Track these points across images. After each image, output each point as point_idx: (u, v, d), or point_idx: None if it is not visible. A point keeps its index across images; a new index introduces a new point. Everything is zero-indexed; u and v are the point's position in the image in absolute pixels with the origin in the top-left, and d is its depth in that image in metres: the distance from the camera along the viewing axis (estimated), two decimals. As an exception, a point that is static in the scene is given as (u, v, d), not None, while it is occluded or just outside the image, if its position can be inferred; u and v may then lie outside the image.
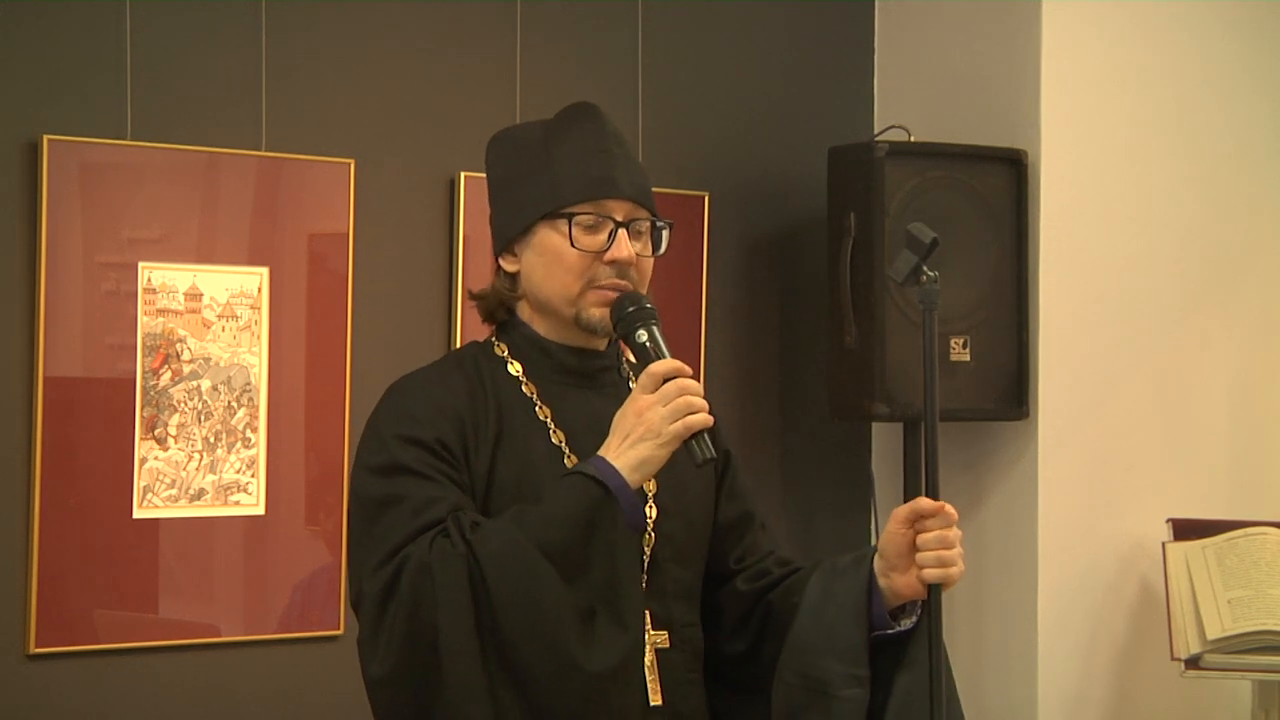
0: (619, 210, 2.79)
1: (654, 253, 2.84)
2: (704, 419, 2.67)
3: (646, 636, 2.76)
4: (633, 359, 2.88)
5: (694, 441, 2.67)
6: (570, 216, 2.77)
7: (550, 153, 2.81)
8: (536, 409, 2.81)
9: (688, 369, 2.71)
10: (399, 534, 2.67)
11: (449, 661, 2.61)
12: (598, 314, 2.79)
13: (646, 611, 2.77)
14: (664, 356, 2.72)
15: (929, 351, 2.70)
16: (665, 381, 2.68)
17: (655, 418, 2.66)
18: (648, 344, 2.74)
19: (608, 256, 2.78)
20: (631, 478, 2.66)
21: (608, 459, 2.67)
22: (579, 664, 2.61)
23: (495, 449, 2.76)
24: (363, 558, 2.71)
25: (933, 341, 2.70)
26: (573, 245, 2.77)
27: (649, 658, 2.78)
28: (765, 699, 2.87)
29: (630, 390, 2.85)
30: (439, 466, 2.71)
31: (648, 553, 2.80)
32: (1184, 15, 4.98)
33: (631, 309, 2.76)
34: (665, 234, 2.85)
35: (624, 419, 2.69)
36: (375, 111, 4.41)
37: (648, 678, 2.77)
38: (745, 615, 2.92)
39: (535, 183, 2.81)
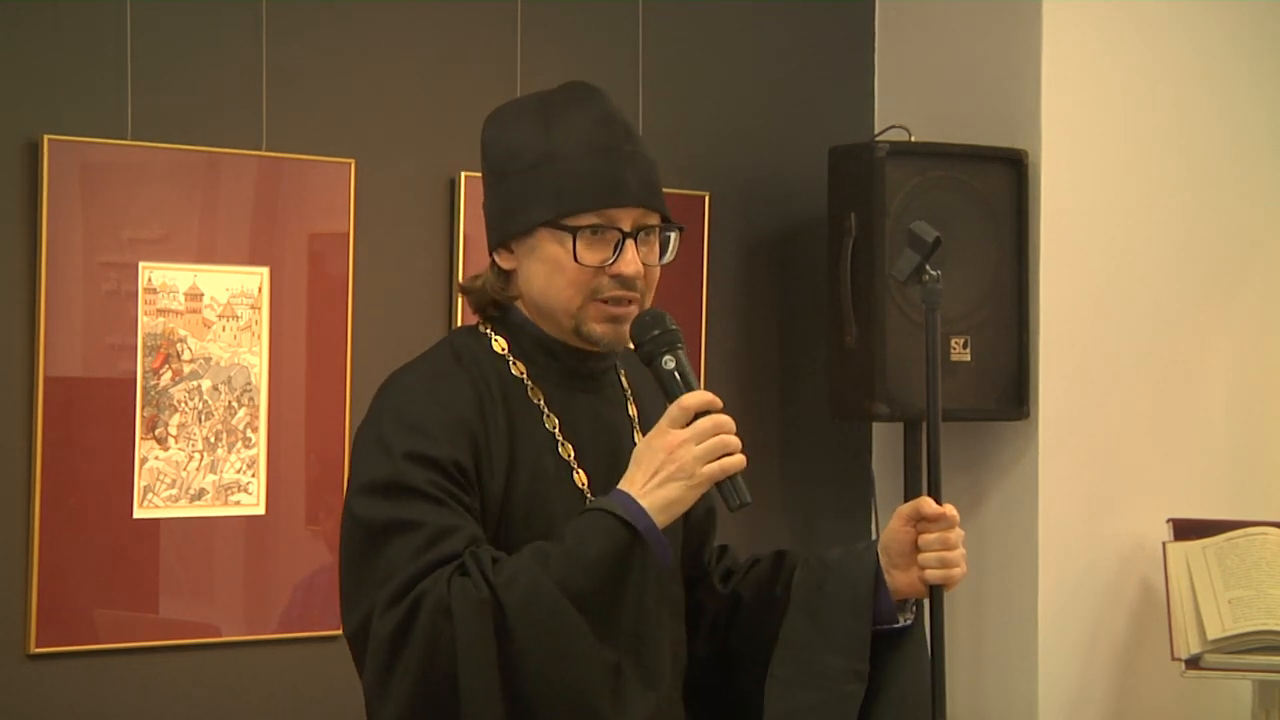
0: (626, 219, 2.61)
1: (661, 259, 2.68)
2: (739, 461, 2.52)
3: None
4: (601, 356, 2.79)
5: (728, 484, 2.52)
6: (575, 230, 2.59)
7: (553, 146, 2.63)
8: (544, 418, 2.66)
9: (719, 402, 2.55)
10: (411, 567, 2.48)
11: (469, 713, 2.45)
12: (600, 330, 2.63)
13: None
14: (693, 387, 2.55)
15: (932, 351, 2.69)
16: (696, 416, 2.53)
17: (688, 456, 2.50)
18: (676, 371, 2.57)
19: (612, 270, 2.61)
20: (659, 519, 2.50)
21: (634, 496, 2.50)
22: None
23: (510, 467, 2.60)
24: (366, 588, 2.52)
25: (936, 341, 2.69)
26: (575, 260, 2.60)
27: None
28: (738, 696, 2.81)
29: (626, 392, 2.79)
30: (452, 491, 2.53)
31: None
32: (1184, 15, 4.98)
33: (657, 332, 2.59)
34: (674, 239, 2.68)
35: (651, 454, 2.52)
36: (375, 111, 4.41)
37: None
38: (717, 615, 2.85)
39: (537, 181, 2.62)
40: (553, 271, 2.63)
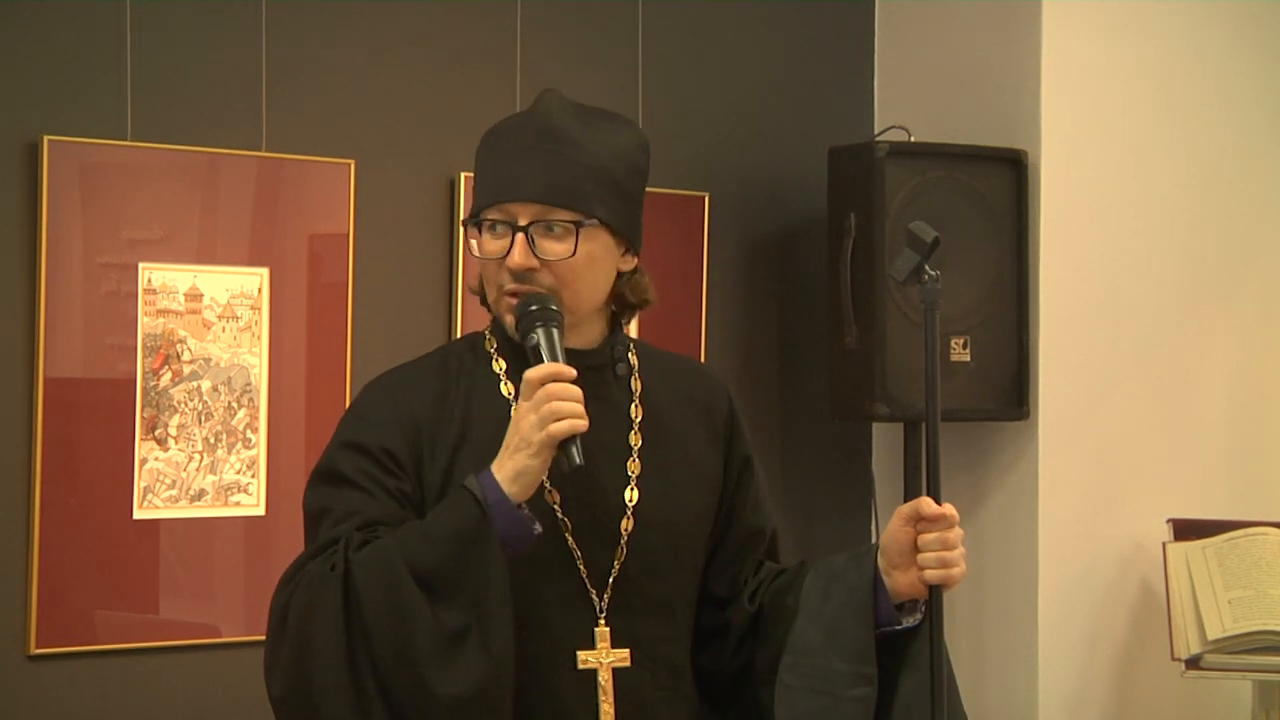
0: (523, 213, 2.70)
1: (575, 253, 2.71)
2: (571, 425, 2.60)
3: (604, 656, 2.71)
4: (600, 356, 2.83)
5: (568, 447, 2.60)
6: (477, 223, 2.74)
7: (488, 152, 2.77)
8: (513, 409, 2.72)
9: (569, 371, 2.63)
10: (307, 552, 2.68)
11: (319, 685, 2.59)
12: (509, 320, 2.74)
13: (607, 630, 2.72)
14: (555, 360, 2.65)
15: (931, 351, 2.69)
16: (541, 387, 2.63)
17: (526, 426, 2.60)
18: (538, 347, 2.67)
19: (507, 262, 2.71)
20: (511, 490, 2.61)
21: (493, 471, 2.63)
22: (431, 688, 2.56)
23: (455, 454, 2.71)
24: None
25: (934, 340, 2.68)
26: (473, 253, 2.75)
27: (604, 678, 2.71)
28: (755, 705, 2.83)
29: (630, 391, 2.82)
30: (376, 476, 2.69)
31: (617, 567, 2.74)
32: (1184, 15, 4.98)
33: (533, 308, 2.69)
34: (584, 231, 2.70)
35: (508, 430, 2.64)
36: (375, 111, 4.41)
37: (600, 700, 2.71)
38: (745, 631, 2.86)
39: (475, 184, 2.79)
40: (478, 267, 2.78)
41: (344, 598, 2.59)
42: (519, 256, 2.70)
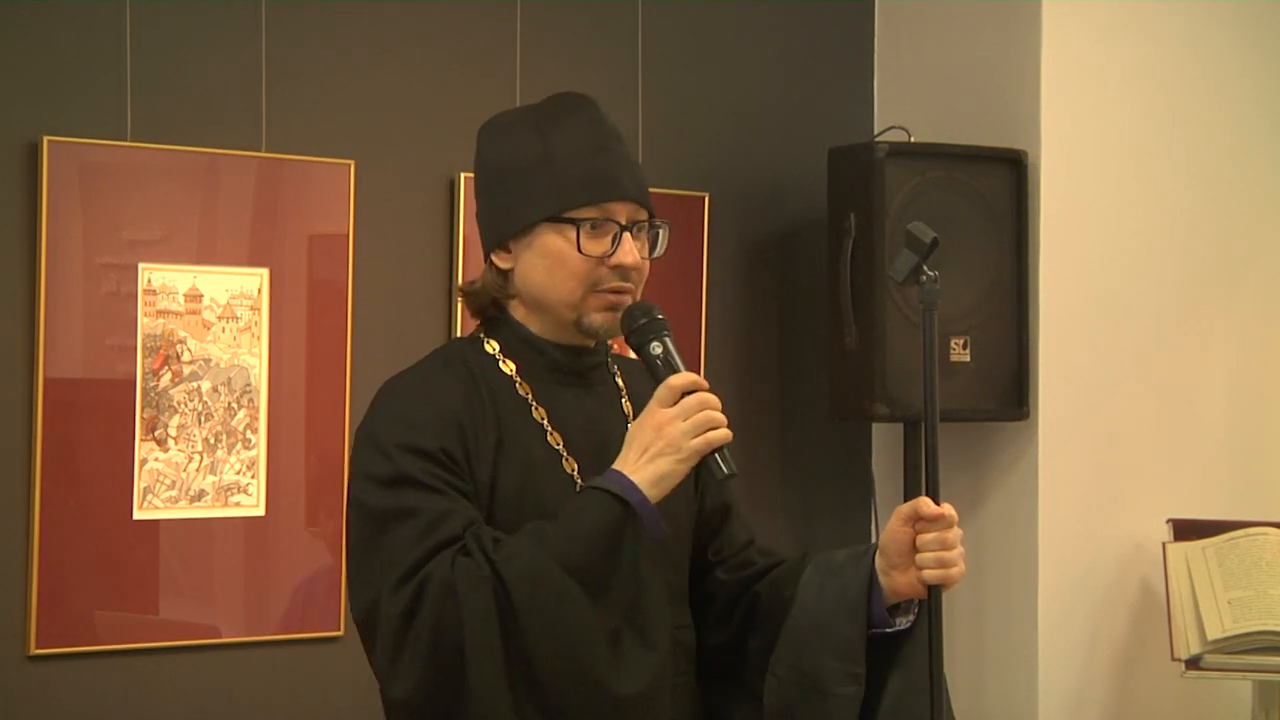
0: (622, 212, 2.74)
1: (651, 254, 2.80)
2: (724, 434, 2.64)
3: None
4: (612, 356, 2.85)
5: (715, 457, 2.65)
6: (577, 222, 2.72)
7: (549, 148, 2.75)
8: (532, 410, 2.76)
9: (705, 383, 2.67)
10: (414, 551, 2.60)
11: (476, 685, 2.56)
12: (599, 319, 2.74)
13: None
14: (679, 369, 2.69)
15: (929, 351, 2.70)
16: (683, 395, 2.65)
17: (675, 432, 2.62)
18: (662, 357, 2.70)
19: (613, 261, 2.72)
20: (651, 493, 2.62)
21: (626, 474, 2.63)
22: (610, 689, 2.57)
23: (497, 455, 2.71)
24: (372, 573, 2.64)
25: (933, 341, 2.69)
26: (579, 251, 2.72)
27: None
28: (748, 691, 2.84)
29: (619, 388, 2.86)
30: (445, 477, 2.65)
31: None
32: (1184, 16, 4.98)
33: (644, 320, 2.72)
34: (663, 235, 2.80)
35: (642, 432, 2.65)
36: (375, 112, 4.41)
37: None
38: (730, 605, 2.89)
39: (535, 181, 2.74)
40: (555, 265, 2.74)
41: (496, 599, 2.57)
42: (636, 255, 2.74)
